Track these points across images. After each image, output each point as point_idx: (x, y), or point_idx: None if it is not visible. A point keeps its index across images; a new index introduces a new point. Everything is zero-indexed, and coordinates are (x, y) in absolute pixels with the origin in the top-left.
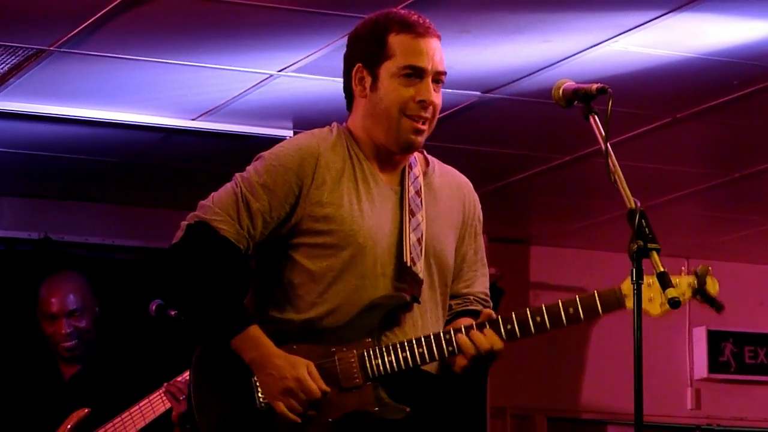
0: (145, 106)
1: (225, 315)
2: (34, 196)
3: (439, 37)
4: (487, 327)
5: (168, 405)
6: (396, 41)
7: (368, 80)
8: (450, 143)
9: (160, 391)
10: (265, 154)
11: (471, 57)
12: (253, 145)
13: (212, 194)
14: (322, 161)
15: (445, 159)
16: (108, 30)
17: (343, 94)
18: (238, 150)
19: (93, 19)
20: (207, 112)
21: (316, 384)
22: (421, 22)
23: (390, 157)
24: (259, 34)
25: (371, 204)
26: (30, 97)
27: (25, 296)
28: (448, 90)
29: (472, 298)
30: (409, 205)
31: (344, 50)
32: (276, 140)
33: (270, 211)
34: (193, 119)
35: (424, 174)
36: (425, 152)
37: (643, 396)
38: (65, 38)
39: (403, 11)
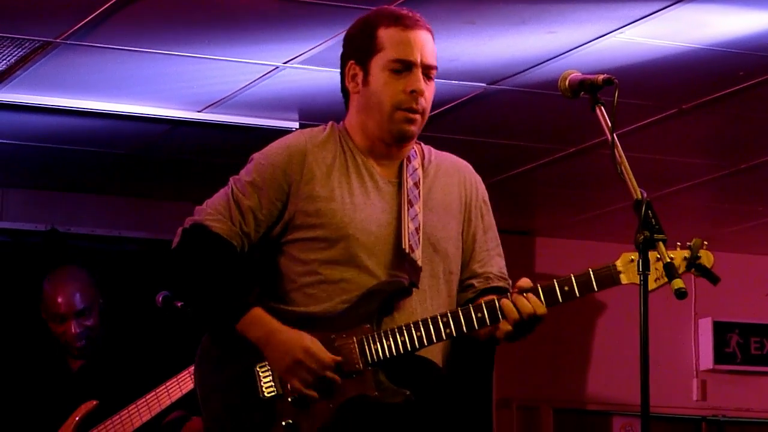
0: (150, 97)
1: (225, 302)
2: (41, 188)
3: (430, 30)
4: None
5: (173, 398)
6: (385, 34)
7: (360, 75)
8: (455, 134)
9: (166, 384)
10: (256, 154)
11: (476, 48)
12: (258, 137)
13: (207, 200)
14: (310, 157)
15: (450, 150)
16: (114, 22)
17: (341, 94)
18: (244, 142)
19: (99, 11)
20: (213, 104)
21: (325, 353)
22: (411, 15)
23: (387, 150)
24: (265, 25)
25: (365, 196)
26: (36, 90)
27: (32, 288)
28: (453, 81)
29: (491, 275)
30: (407, 196)
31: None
32: (282, 132)
33: (261, 208)
34: (198, 111)
35: (423, 165)
36: (422, 144)
37: (649, 387)
38: (71, 30)
39: (393, 7)
